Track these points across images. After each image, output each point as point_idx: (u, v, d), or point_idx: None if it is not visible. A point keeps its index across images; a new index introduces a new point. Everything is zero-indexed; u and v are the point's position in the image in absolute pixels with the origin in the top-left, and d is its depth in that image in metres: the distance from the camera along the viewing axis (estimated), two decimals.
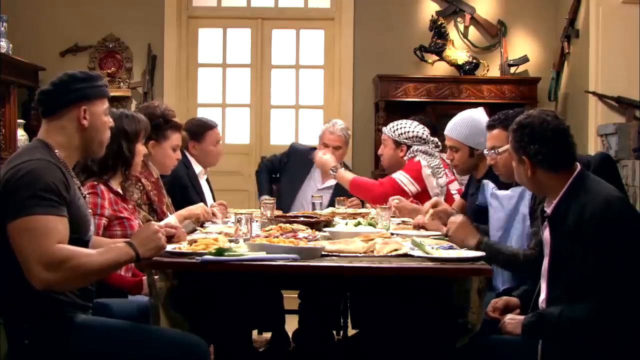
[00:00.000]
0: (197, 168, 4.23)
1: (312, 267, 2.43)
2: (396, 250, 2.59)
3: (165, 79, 6.02)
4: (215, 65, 6.22)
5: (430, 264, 2.45)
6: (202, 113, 5.97)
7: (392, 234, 3.10)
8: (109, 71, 5.92)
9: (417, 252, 2.57)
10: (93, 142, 2.40)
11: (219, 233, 2.97)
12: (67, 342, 2.23)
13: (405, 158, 4.24)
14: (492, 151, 3.08)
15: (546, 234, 2.43)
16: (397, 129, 4.30)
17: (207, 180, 4.35)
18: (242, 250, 2.47)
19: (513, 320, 2.44)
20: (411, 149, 4.24)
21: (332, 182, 4.61)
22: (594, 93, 5.09)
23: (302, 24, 6.17)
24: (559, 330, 2.29)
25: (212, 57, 6.22)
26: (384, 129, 4.43)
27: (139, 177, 3.37)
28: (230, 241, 2.66)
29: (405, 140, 4.26)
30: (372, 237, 2.76)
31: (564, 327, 2.27)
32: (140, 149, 3.10)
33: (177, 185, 3.95)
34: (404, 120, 4.37)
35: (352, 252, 2.58)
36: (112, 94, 5.68)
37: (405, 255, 2.57)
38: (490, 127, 3.13)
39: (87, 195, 2.56)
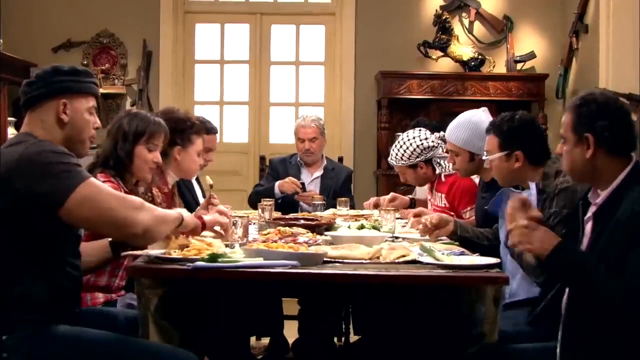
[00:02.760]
0: None
1: (313, 274, 2.29)
2: (404, 256, 2.46)
3: (161, 76, 5.93)
4: (213, 61, 6.13)
5: (440, 272, 2.31)
6: (199, 111, 5.87)
7: (397, 237, 2.97)
8: (103, 67, 5.86)
9: (426, 259, 2.43)
10: (73, 140, 2.26)
11: (214, 237, 2.81)
12: (47, 354, 2.09)
13: (437, 172, 3.83)
14: (486, 155, 2.93)
15: (588, 227, 2.24)
16: (402, 154, 3.88)
17: (196, 178, 4.24)
18: (237, 256, 2.35)
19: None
20: (433, 160, 3.85)
21: (318, 172, 4.57)
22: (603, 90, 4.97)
23: (302, 19, 6.10)
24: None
25: (209, 53, 6.14)
26: (390, 161, 4.02)
27: (150, 186, 3.19)
28: (225, 246, 2.51)
29: (417, 160, 3.85)
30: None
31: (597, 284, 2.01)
32: (144, 153, 2.88)
33: None
34: (400, 140, 3.93)
35: (357, 259, 2.44)
36: (106, 90, 5.66)
37: (414, 262, 2.43)
38: (487, 131, 2.97)
39: None
